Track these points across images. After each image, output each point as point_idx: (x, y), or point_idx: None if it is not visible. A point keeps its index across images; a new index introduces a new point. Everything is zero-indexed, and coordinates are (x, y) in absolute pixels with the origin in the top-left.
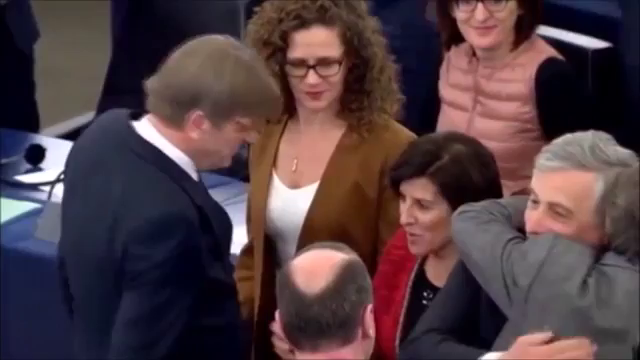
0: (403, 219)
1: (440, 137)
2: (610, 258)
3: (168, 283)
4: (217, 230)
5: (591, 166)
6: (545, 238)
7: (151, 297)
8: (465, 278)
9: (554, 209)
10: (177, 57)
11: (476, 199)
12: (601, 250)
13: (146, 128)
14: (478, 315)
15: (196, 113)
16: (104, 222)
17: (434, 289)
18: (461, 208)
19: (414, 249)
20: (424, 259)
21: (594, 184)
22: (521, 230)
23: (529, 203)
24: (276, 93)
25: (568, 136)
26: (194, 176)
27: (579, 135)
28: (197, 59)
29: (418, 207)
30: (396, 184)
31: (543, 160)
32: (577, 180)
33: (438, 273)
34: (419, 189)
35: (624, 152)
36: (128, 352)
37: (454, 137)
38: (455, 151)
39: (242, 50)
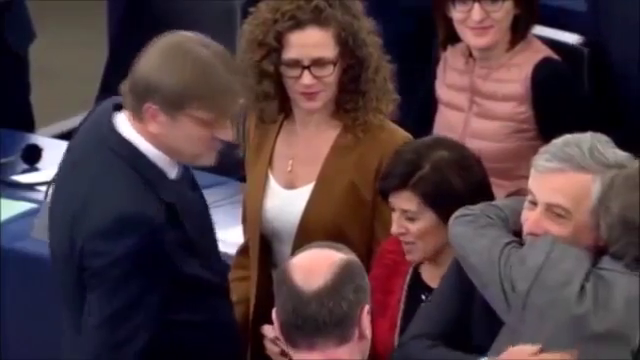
0: (394, 229)
1: (424, 144)
2: (607, 262)
3: (129, 282)
4: (189, 227)
5: (590, 168)
6: (543, 242)
7: (114, 296)
8: (459, 280)
9: (552, 210)
10: (144, 51)
11: (461, 204)
12: (597, 253)
13: (124, 123)
14: (470, 319)
15: (150, 105)
16: (67, 219)
17: (432, 291)
18: (458, 212)
19: (409, 257)
20: (419, 261)
21: (592, 186)
22: (517, 233)
23: (526, 204)
24: (234, 89)
25: (567, 137)
26: (171, 172)
27: (578, 136)
28: (154, 53)
29: (406, 218)
30: (385, 196)
31: (542, 161)
32: (576, 181)
33: (435, 275)
34: (404, 201)
35: (622, 155)
36: (97, 357)
37: (438, 142)
38: (436, 158)
39: (205, 47)
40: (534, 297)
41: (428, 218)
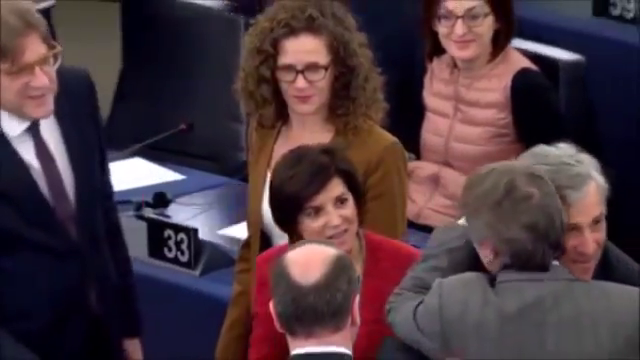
0: (335, 221)
1: (298, 152)
2: (504, 275)
3: None
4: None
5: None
6: (435, 286)
7: None
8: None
9: (597, 221)
10: None
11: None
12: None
13: None
14: None
15: None
16: None
17: None
18: (391, 297)
19: (344, 248)
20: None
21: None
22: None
23: (569, 233)
24: (24, 36)
25: (559, 154)
26: (12, 129)
27: (559, 152)
28: None
29: (339, 205)
30: (302, 203)
31: (573, 192)
32: (597, 184)
33: None
34: (335, 187)
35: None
36: None
37: (305, 146)
38: (324, 149)
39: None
40: (449, 334)
41: (350, 197)
